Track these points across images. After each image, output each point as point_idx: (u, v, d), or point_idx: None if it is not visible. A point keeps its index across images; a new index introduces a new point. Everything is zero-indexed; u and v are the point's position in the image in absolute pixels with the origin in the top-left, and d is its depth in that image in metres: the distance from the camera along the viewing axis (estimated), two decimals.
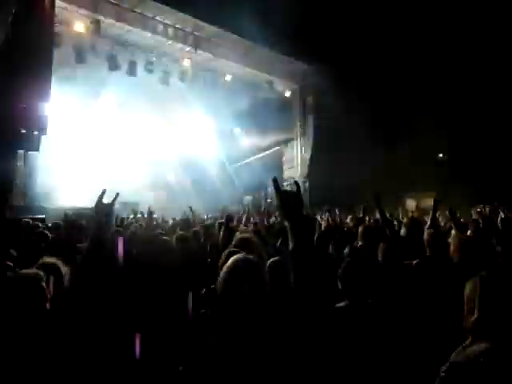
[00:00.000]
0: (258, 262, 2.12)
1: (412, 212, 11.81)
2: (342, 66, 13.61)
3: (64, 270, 2.39)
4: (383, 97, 15.77)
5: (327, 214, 6.56)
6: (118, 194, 2.16)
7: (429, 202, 23.59)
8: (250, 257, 2.12)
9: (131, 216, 8.74)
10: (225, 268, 2.03)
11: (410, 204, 23.03)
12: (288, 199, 1.43)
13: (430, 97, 16.75)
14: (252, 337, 1.40)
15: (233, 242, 3.26)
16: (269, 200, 17.13)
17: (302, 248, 1.34)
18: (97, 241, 1.95)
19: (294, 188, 1.51)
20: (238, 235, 3.41)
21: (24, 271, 2.01)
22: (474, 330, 1.67)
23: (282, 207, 1.44)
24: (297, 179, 19.16)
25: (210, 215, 10.57)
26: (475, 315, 1.70)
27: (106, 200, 2.10)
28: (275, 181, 1.51)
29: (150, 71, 14.70)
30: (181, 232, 4.72)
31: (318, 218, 8.63)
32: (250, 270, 1.88)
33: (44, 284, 1.93)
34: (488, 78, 15.79)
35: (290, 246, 1.36)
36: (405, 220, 5.88)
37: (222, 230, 4.23)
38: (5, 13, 9.45)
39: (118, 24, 12.50)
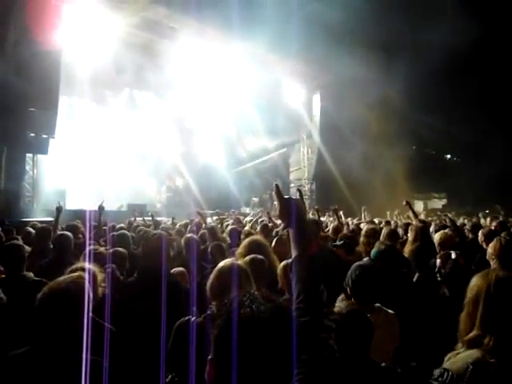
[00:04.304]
0: (244, 267, 2.19)
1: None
2: (349, 67, 13.56)
3: (100, 276, 2.39)
4: (390, 97, 15.70)
5: (331, 213, 6.54)
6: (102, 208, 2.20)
7: (437, 204, 23.55)
8: (238, 262, 2.22)
9: (139, 218, 8.79)
10: (214, 272, 2.15)
11: (418, 206, 22.96)
12: (290, 206, 1.41)
13: (438, 95, 16.69)
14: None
15: (241, 245, 3.26)
16: (275, 202, 17.06)
17: (305, 255, 1.33)
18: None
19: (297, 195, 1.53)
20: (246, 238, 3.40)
21: (69, 277, 1.94)
22: (472, 338, 1.62)
23: (284, 214, 1.43)
24: (304, 181, 19.17)
25: (215, 218, 10.58)
26: (478, 321, 1.63)
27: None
28: (277, 187, 1.49)
29: (157, 75, 14.77)
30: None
31: (324, 219, 8.66)
32: (235, 274, 1.96)
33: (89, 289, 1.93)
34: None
35: (293, 253, 1.35)
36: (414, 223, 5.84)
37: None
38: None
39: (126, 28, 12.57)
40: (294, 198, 1.51)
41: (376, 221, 7.90)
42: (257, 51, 14.43)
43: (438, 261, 3.36)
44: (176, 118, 18.38)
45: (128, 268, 3.75)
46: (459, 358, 1.60)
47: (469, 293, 1.71)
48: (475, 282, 1.72)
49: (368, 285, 2.40)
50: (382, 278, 2.49)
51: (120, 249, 3.88)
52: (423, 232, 4.30)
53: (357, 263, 2.53)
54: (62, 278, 1.90)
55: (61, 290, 1.79)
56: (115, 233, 5.27)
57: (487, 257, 3.25)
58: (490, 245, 3.26)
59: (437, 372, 1.56)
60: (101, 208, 4.99)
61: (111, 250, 3.84)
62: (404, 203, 6.48)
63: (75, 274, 1.98)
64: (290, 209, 1.40)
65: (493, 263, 3.18)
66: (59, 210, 5.00)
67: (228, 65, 14.81)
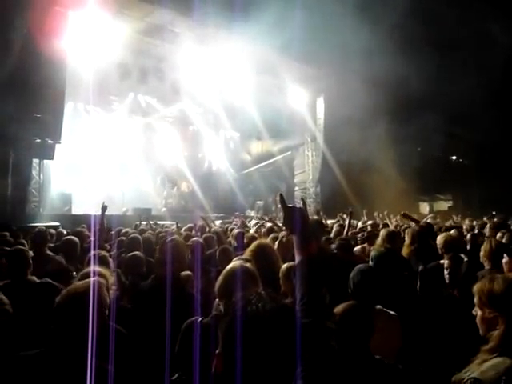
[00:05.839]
0: (254, 270, 2.24)
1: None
2: (352, 69, 13.58)
3: (111, 279, 2.40)
4: (394, 100, 15.68)
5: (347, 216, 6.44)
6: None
7: (443, 206, 23.41)
8: (247, 264, 2.28)
9: (144, 222, 8.86)
10: (222, 273, 2.21)
11: (423, 208, 22.88)
12: (294, 214, 1.46)
13: (443, 96, 16.64)
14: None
15: (248, 248, 3.27)
16: (279, 205, 17.03)
17: (308, 262, 1.36)
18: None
19: (301, 204, 1.57)
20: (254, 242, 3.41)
21: (87, 281, 1.94)
22: (500, 343, 1.58)
23: (288, 222, 1.47)
24: (308, 184, 19.17)
25: (218, 222, 10.63)
26: (502, 326, 1.61)
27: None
28: (281, 196, 1.55)
29: (161, 80, 14.87)
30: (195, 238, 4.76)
31: (333, 221, 8.67)
32: (244, 276, 2.02)
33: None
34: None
35: (297, 258, 1.40)
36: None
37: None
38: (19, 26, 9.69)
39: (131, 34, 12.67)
40: (297, 206, 1.56)
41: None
42: (260, 55, 14.48)
43: (447, 262, 3.30)
44: (180, 123, 18.49)
45: (145, 272, 3.76)
46: (488, 366, 1.53)
47: (498, 300, 1.65)
48: (500, 287, 1.67)
49: (369, 288, 2.42)
50: (383, 280, 2.51)
51: (137, 253, 3.91)
52: (420, 235, 4.28)
53: (358, 266, 2.55)
54: (80, 282, 1.91)
55: (79, 294, 1.80)
56: (123, 237, 5.31)
57: (480, 259, 3.28)
58: (482, 247, 3.32)
59: (467, 382, 1.52)
60: (104, 208, 4.81)
61: (128, 255, 3.88)
62: (401, 215, 6.47)
63: (92, 278, 1.97)
64: (294, 217, 1.45)
65: (486, 264, 3.23)
66: (104, 208, 4.83)
67: (232, 69, 14.86)
